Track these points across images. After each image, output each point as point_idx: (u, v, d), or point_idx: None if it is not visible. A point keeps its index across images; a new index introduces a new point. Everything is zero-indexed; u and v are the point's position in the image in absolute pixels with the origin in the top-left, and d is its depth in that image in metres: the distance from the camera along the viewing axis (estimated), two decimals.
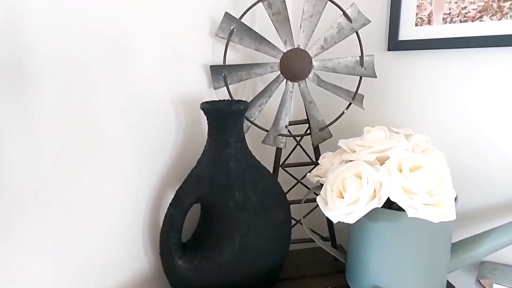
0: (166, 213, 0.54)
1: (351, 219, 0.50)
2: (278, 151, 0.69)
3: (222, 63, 0.63)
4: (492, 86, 0.62)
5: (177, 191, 0.54)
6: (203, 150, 0.55)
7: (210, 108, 0.52)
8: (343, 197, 0.52)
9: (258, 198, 0.54)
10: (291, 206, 0.70)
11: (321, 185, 0.59)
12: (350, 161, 0.55)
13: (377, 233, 0.55)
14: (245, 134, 0.67)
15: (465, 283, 0.67)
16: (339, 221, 0.52)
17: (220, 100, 0.58)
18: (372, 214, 0.55)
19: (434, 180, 0.49)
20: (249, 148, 0.58)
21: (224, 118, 0.52)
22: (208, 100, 0.56)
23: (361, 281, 0.60)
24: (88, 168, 0.49)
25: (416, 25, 0.65)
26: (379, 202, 0.49)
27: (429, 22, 0.64)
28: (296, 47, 0.63)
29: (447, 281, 0.62)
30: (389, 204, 0.56)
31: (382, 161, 0.53)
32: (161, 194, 0.60)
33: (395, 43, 0.67)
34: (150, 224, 0.59)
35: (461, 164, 0.66)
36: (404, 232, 0.53)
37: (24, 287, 0.43)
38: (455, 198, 0.57)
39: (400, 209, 0.54)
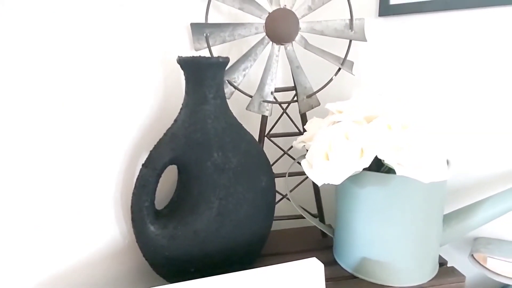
0: (138, 175, 0.50)
1: (336, 180, 0.47)
2: (264, 119, 0.65)
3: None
4: (488, 49, 0.59)
5: (151, 151, 0.50)
6: (180, 108, 0.52)
7: (187, 61, 0.48)
8: (329, 159, 0.48)
9: (238, 160, 0.51)
10: (278, 180, 0.67)
11: (308, 151, 0.55)
12: (337, 122, 0.52)
13: (365, 200, 0.52)
14: (228, 101, 0.64)
15: (458, 260, 0.64)
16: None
17: (198, 56, 0.54)
18: (359, 179, 0.52)
19: (425, 139, 0.46)
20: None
21: (202, 71, 0.48)
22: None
23: (348, 254, 0.57)
24: (55, 124, 0.45)
25: None
26: (366, 161, 0.46)
27: None
28: (282, 7, 0.60)
29: (440, 256, 0.59)
30: (378, 169, 0.53)
31: (371, 121, 0.49)
32: (136, 156, 0.55)
33: (386, 7, 0.64)
34: (122, 190, 0.55)
35: (453, 133, 0.63)
36: (393, 197, 0.50)
37: None
38: (447, 161, 0.54)
39: (389, 172, 0.50)
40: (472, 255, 0.59)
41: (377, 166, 0.52)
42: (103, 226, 0.53)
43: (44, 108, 0.45)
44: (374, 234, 0.52)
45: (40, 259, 0.47)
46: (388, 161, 0.45)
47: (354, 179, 0.52)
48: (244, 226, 0.52)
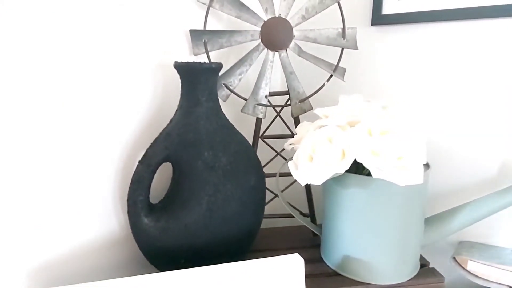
0: (134, 170, 0.53)
1: (317, 181, 0.49)
2: (258, 121, 0.68)
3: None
4: (477, 60, 0.61)
5: (147, 148, 0.54)
6: (176, 109, 0.55)
7: (182, 66, 0.52)
8: (312, 161, 0.51)
9: (228, 159, 0.54)
10: (271, 179, 0.70)
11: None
12: (323, 126, 0.55)
13: (347, 200, 0.54)
14: (225, 103, 0.67)
15: (443, 263, 0.66)
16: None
17: (192, 61, 0.57)
18: (342, 180, 0.55)
19: (404, 144, 0.48)
20: (230, 118, 0.58)
21: (195, 75, 0.52)
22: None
23: (333, 252, 0.59)
24: (58, 122, 0.49)
25: None
26: (346, 164, 0.49)
27: None
28: (277, 15, 0.63)
29: (423, 257, 0.61)
30: (364, 172, 0.55)
31: (353, 126, 0.52)
32: (135, 153, 0.59)
33: (378, 17, 0.67)
34: (121, 184, 0.59)
35: (437, 141, 0.65)
36: (373, 198, 0.52)
37: None
38: (427, 165, 0.56)
39: (370, 175, 0.53)
40: (454, 258, 0.61)
41: (363, 168, 0.55)
42: (102, 217, 0.57)
43: (50, 107, 0.49)
44: (356, 234, 0.55)
45: (42, 245, 0.51)
46: (366, 164, 0.47)
47: (337, 180, 0.55)
48: (232, 222, 0.55)
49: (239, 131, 0.60)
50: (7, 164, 0.45)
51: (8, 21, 0.44)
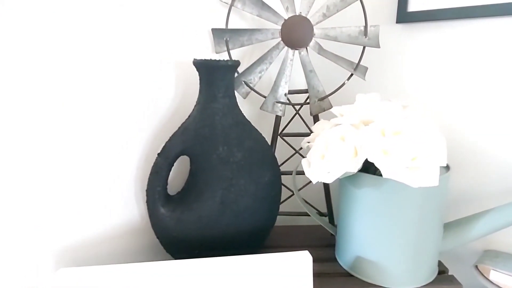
0: (154, 162, 0.56)
1: (329, 179, 0.49)
2: (277, 119, 0.69)
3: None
4: (507, 58, 0.58)
5: (166, 142, 0.57)
6: (194, 105, 0.57)
7: (200, 63, 0.54)
8: (324, 159, 0.51)
9: (242, 155, 0.55)
10: (291, 177, 0.70)
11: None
12: (338, 125, 0.54)
13: (360, 200, 0.54)
14: (244, 100, 0.69)
15: (463, 271, 0.63)
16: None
17: (210, 58, 0.59)
18: (356, 180, 0.54)
19: (418, 144, 0.47)
20: (250, 115, 0.59)
21: (212, 72, 0.54)
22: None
23: (346, 252, 0.59)
24: (85, 115, 0.53)
25: None
26: (357, 163, 0.48)
27: None
28: (297, 14, 0.63)
29: (442, 264, 0.59)
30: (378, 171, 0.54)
31: (368, 125, 0.51)
32: (156, 146, 0.62)
33: (404, 15, 0.65)
34: (143, 176, 0.62)
35: (463, 142, 0.62)
36: (386, 200, 0.51)
37: None
38: (446, 167, 0.54)
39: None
40: (476, 266, 0.58)
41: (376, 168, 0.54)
42: (125, 206, 0.61)
43: (87, 104, 0.52)
44: (369, 235, 0.54)
45: (69, 229, 0.55)
46: (376, 164, 0.47)
47: (351, 180, 0.55)
48: (245, 216, 0.56)
49: (259, 128, 0.62)
50: (38, 152, 0.49)
51: (8, 21, 0.44)
